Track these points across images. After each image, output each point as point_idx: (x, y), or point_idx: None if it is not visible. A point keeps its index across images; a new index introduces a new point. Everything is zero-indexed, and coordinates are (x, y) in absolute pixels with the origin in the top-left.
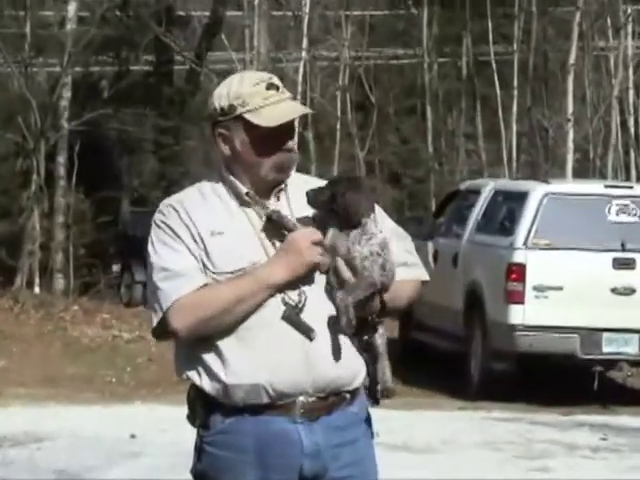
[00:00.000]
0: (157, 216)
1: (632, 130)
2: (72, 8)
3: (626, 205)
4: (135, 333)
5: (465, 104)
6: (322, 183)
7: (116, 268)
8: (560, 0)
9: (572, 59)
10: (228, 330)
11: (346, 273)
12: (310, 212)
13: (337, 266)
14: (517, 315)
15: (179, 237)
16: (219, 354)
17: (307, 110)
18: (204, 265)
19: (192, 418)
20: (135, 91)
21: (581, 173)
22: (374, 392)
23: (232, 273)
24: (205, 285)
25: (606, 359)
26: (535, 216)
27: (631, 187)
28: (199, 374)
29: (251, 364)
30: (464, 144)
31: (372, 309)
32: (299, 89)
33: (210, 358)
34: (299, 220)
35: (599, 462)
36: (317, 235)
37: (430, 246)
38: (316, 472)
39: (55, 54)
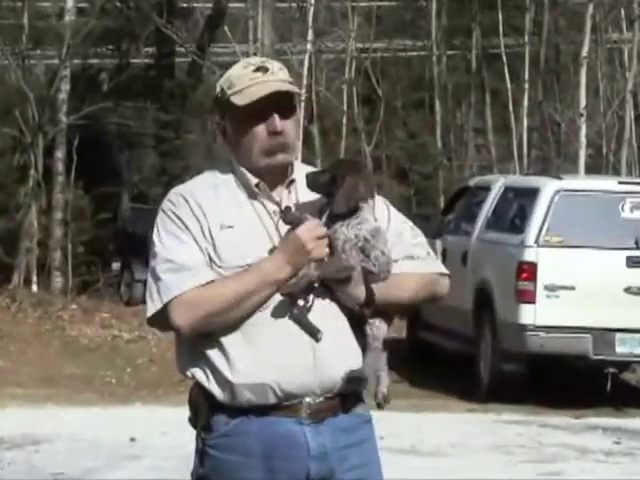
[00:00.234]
0: (166, 205)
1: None
2: None
3: None
4: (135, 333)
5: (475, 98)
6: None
7: (116, 266)
8: None
9: (585, 52)
10: (233, 326)
11: (324, 250)
12: (316, 204)
13: None
14: (528, 315)
15: (187, 229)
16: (223, 351)
17: (286, 88)
18: (210, 258)
19: (194, 420)
20: (135, 84)
21: (594, 169)
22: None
23: (239, 268)
24: (211, 282)
25: (619, 360)
26: (546, 213)
27: None
28: (203, 372)
29: (257, 363)
30: (473, 139)
31: (354, 297)
32: (304, 82)
33: (214, 355)
34: (301, 209)
35: (612, 466)
36: (322, 230)
37: (438, 244)
38: (323, 475)
39: (53, 46)
